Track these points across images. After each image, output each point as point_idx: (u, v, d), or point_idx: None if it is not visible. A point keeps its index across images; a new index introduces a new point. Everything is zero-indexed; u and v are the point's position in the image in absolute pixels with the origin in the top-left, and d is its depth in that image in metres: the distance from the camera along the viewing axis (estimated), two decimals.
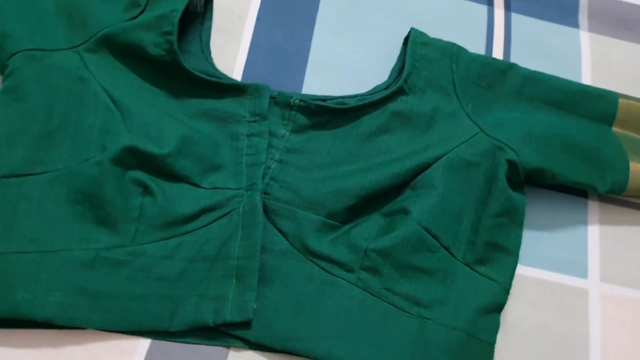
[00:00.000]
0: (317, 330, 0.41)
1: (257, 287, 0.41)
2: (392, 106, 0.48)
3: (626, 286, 0.47)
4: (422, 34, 0.52)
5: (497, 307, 0.43)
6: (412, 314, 0.42)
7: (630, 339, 0.46)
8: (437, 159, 0.46)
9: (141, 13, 0.48)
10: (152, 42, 0.46)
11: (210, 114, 0.47)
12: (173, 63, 0.46)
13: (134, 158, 0.43)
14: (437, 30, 0.55)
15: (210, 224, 0.43)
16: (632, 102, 0.53)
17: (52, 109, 0.43)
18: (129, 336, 0.40)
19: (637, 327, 0.46)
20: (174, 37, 0.46)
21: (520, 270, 0.47)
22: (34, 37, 0.45)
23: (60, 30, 0.46)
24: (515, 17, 0.59)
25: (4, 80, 0.44)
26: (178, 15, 0.47)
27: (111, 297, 0.39)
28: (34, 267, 0.39)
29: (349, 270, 0.43)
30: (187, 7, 0.49)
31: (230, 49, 0.52)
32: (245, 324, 0.41)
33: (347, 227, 0.45)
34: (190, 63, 0.49)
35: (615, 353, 0.45)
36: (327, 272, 0.43)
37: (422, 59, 0.51)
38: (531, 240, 0.48)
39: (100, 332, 0.40)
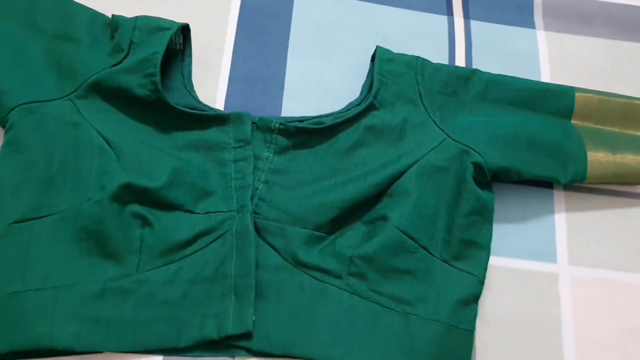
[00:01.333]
0: (312, 336, 0.45)
1: (254, 302, 0.45)
2: (365, 121, 0.52)
3: (594, 267, 0.51)
4: (387, 51, 0.56)
5: (474, 297, 0.47)
6: (397, 312, 0.46)
7: (600, 317, 0.50)
8: (410, 166, 0.50)
9: (125, 57, 0.51)
10: (137, 84, 0.50)
11: (197, 144, 0.51)
12: (158, 101, 0.50)
13: (130, 193, 0.46)
14: (402, 44, 0.59)
15: (206, 246, 0.47)
16: (588, 94, 0.57)
17: (51, 156, 0.47)
18: (142, 355, 0.44)
19: (605, 304, 0.50)
20: (157, 78, 0.49)
21: (494, 261, 0.51)
22: (28, 90, 0.49)
23: (52, 81, 0.50)
24: (474, 23, 0.63)
25: (5, 133, 0.48)
26: (159, 57, 0.50)
27: (122, 323, 0.43)
28: (50, 302, 0.43)
29: (337, 277, 0.47)
30: (167, 47, 0.53)
31: (211, 81, 0.56)
32: (247, 335, 0.44)
33: (332, 237, 0.48)
34: (174, 99, 0.53)
35: (586, 331, 0.49)
36: (318, 280, 0.47)
37: (389, 75, 0.54)
38: (502, 232, 0.52)
39: (116, 353, 0.44)
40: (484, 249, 0.49)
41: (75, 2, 0.54)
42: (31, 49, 0.51)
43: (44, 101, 0.49)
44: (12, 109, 0.48)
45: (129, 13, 0.54)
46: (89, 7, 0.54)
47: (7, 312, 0.42)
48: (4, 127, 0.48)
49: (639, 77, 0.62)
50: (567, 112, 0.56)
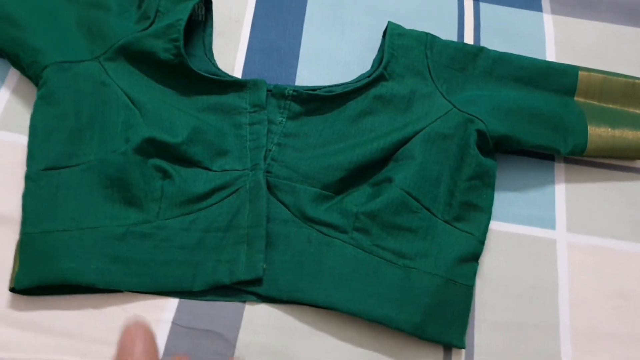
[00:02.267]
0: (316, 283, 0.47)
1: (264, 250, 0.48)
2: (374, 91, 0.55)
3: (590, 234, 0.54)
4: (399, 26, 0.59)
5: (474, 256, 0.50)
6: (398, 265, 0.48)
7: (593, 280, 0.52)
8: (416, 133, 0.53)
9: (151, 24, 0.55)
10: (162, 48, 0.53)
11: (215, 107, 0.54)
12: (181, 65, 0.53)
13: (153, 147, 0.50)
14: (413, 22, 0.61)
15: (221, 200, 0.50)
16: (592, 74, 0.59)
17: (80, 110, 0.51)
18: (159, 296, 0.47)
19: (599, 269, 0.52)
20: (180, 43, 0.53)
21: (496, 225, 0.53)
22: (61, 51, 0.53)
23: (83, 43, 0.54)
24: (484, 5, 0.66)
25: (39, 89, 0.51)
26: (183, 23, 0.54)
27: (141, 263, 0.47)
28: (76, 241, 0.46)
29: (343, 231, 0.49)
30: (190, 17, 0.56)
31: (230, 51, 0.59)
32: (257, 282, 0.47)
33: (339, 197, 0.51)
34: (195, 64, 0.56)
35: (580, 293, 0.51)
36: (324, 234, 0.49)
37: (400, 48, 0.57)
38: (505, 199, 0.54)
39: (135, 294, 0.47)
40: (484, 211, 0.52)
41: None
42: (65, 14, 0.55)
43: (75, 62, 0.53)
44: (46, 67, 0.52)
45: None
46: None
47: (37, 248, 0.46)
48: (37, 82, 0.52)
49: None
50: (570, 89, 0.59)
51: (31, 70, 0.52)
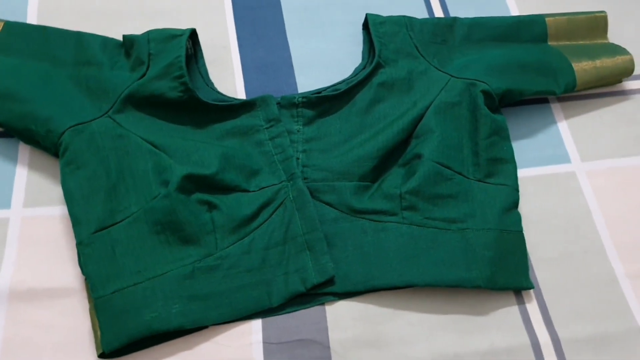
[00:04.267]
0: (386, 267, 0.49)
1: (327, 251, 0.49)
2: (376, 80, 0.58)
3: (602, 159, 0.58)
4: (377, 15, 0.62)
5: (514, 204, 0.53)
6: (452, 230, 0.51)
7: (619, 198, 0.56)
8: (427, 108, 0.56)
9: (147, 69, 0.55)
10: (168, 88, 0.54)
11: (233, 132, 0.55)
12: (190, 100, 0.54)
13: (192, 183, 0.50)
14: (385, 10, 0.64)
15: (270, 216, 0.51)
16: (556, 17, 0.64)
17: (108, 166, 0.51)
18: (242, 322, 0.48)
19: (621, 187, 0.57)
20: (186, 78, 0.54)
21: (518, 173, 0.57)
22: (70, 114, 0.52)
23: (87, 102, 0.54)
24: None
25: (61, 156, 0.51)
26: (183, 59, 0.54)
27: (217, 295, 0.47)
28: (150, 291, 0.46)
29: (393, 214, 0.52)
30: None
31: (227, 76, 0.61)
32: (329, 282, 0.49)
33: (377, 184, 0.54)
34: (202, 96, 0.57)
35: (611, 211, 0.55)
36: (376, 221, 0.51)
37: (385, 35, 0.60)
38: (518, 149, 0.58)
39: (218, 326, 0.47)
40: (509, 162, 0.55)
41: (82, 32, 0.58)
42: (58, 79, 0.55)
43: (87, 122, 0.52)
44: (62, 133, 0.51)
45: (131, 31, 0.58)
46: (96, 34, 0.58)
47: (115, 308, 0.45)
48: (57, 151, 0.51)
49: None
50: (542, 36, 0.64)
51: (47, 141, 0.51)
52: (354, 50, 0.63)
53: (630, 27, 0.67)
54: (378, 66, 0.58)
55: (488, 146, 0.55)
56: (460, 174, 0.53)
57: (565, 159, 0.58)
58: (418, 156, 0.53)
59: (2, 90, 0.53)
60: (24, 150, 0.55)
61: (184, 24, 0.63)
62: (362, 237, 0.51)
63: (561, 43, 0.64)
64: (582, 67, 0.60)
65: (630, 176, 0.58)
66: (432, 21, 0.62)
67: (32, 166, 0.54)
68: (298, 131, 0.56)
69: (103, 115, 0.53)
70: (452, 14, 0.67)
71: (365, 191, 0.53)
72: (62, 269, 0.49)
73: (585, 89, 0.62)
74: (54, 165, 0.53)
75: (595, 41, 0.65)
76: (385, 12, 0.64)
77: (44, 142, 0.52)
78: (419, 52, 0.60)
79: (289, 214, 0.51)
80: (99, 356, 0.45)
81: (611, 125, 0.61)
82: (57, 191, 0.52)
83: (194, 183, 0.50)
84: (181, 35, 0.57)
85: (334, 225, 0.51)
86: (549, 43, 0.64)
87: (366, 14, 0.62)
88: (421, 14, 0.67)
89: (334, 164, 0.54)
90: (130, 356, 0.46)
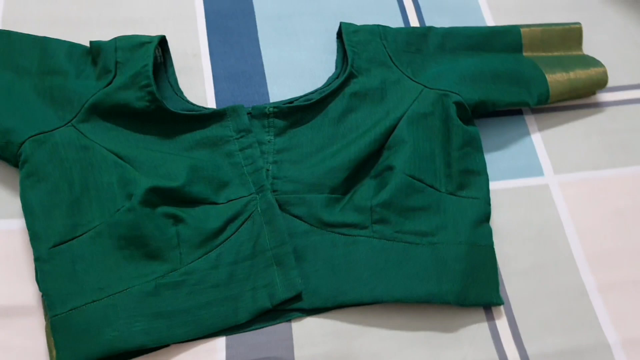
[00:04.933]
0: (355, 282, 0.49)
1: (296, 266, 0.48)
2: (349, 89, 0.57)
3: (575, 171, 0.58)
4: (351, 24, 0.61)
5: (486, 217, 0.53)
6: (423, 244, 0.50)
7: (590, 208, 0.56)
8: (399, 119, 0.55)
9: (114, 77, 0.54)
10: (134, 98, 0.52)
11: (202, 142, 0.54)
12: (158, 110, 0.53)
13: (157, 196, 0.49)
14: (360, 19, 0.64)
15: (237, 230, 0.50)
16: (532, 28, 0.64)
17: (71, 179, 0.49)
18: (206, 339, 0.46)
19: (593, 198, 0.57)
20: (153, 88, 0.52)
21: (491, 185, 0.56)
22: (31, 124, 0.51)
23: (50, 112, 0.52)
24: None
25: (21, 167, 0.49)
26: (150, 68, 0.53)
27: (183, 312, 0.46)
28: (110, 309, 0.45)
29: (363, 227, 0.51)
30: None
31: (198, 84, 0.59)
32: (297, 298, 0.48)
33: (348, 196, 0.53)
34: (170, 105, 0.56)
35: (583, 222, 0.55)
36: (346, 235, 0.51)
37: (358, 44, 0.59)
38: (490, 160, 0.58)
39: (181, 344, 0.46)
40: (481, 174, 0.55)
41: (50, 38, 0.56)
42: (21, 88, 0.53)
43: (49, 131, 0.51)
44: (22, 144, 0.50)
45: (101, 38, 0.57)
46: (63, 40, 0.56)
47: (72, 327, 0.44)
48: (17, 162, 0.50)
49: (564, 8, 0.70)
50: (517, 46, 0.63)
51: (7, 152, 0.50)
52: (327, 59, 0.62)
53: (603, 37, 0.67)
54: (351, 76, 0.58)
55: (460, 157, 0.55)
56: (431, 186, 0.53)
57: (538, 171, 0.58)
58: (390, 168, 0.53)
59: None
60: None
61: (154, 31, 0.61)
62: (332, 251, 0.50)
63: (536, 54, 0.63)
64: (556, 79, 0.60)
65: (603, 188, 0.58)
66: (406, 30, 0.62)
67: None
68: (269, 142, 0.55)
69: (66, 124, 0.52)
70: (428, 23, 0.67)
71: (336, 203, 0.52)
72: (20, 286, 0.47)
73: (559, 101, 0.62)
74: (14, 176, 0.51)
75: (570, 53, 0.65)
76: (360, 21, 0.63)
77: (3, 153, 0.50)
78: (392, 61, 0.59)
79: (257, 228, 0.50)
80: None
81: (584, 137, 0.60)
82: (16, 204, 0.50)
83: (160, 196, 0.49)
84: (150, 42, 0.55)
85: (304, 239, 0.50)
86: (524, 54, 0.63)
87: (340, 23, 0.61)
88: (397, 23, 0.66)
89: (305, 175, 0.53)
90: None
